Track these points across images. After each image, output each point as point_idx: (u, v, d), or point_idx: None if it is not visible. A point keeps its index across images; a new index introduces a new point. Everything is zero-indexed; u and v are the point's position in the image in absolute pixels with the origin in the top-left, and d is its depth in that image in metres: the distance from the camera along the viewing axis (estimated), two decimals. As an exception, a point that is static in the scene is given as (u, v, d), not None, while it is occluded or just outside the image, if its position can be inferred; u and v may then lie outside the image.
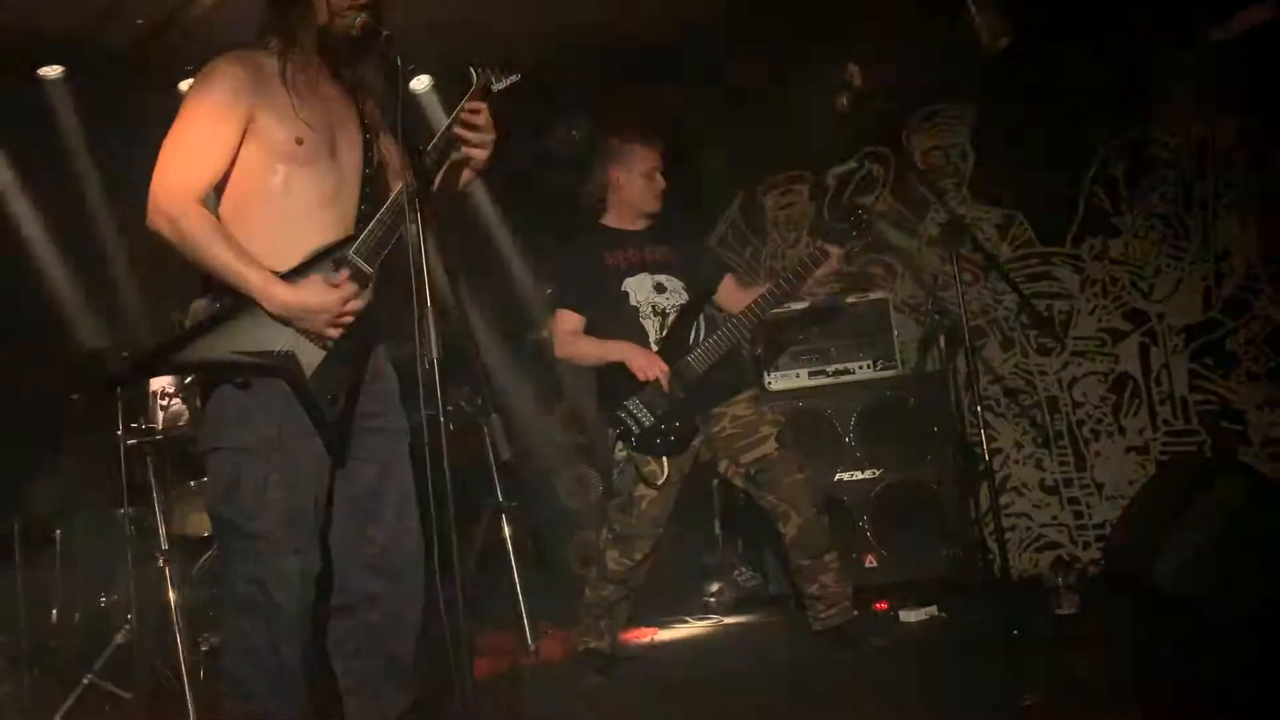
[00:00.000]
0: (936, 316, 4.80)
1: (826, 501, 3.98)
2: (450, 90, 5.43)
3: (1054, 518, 4.83)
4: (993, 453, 4.47)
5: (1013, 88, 4.80)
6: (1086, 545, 4.74)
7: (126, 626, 3.79)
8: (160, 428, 3.88)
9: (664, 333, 3.67)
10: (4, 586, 4.10)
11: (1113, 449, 4.74)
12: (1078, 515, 4.78)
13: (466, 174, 2.69)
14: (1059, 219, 4.86)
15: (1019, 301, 4.62)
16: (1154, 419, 4.67)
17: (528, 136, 6.23)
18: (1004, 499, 4.82)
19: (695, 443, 3.67)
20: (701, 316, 3.71)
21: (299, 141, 2.43)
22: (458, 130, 2.51)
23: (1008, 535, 4.70)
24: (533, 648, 4.22)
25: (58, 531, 4.23)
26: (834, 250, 3.61)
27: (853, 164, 5.42)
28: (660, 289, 3.73)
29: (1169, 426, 4.66)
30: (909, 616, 4.08)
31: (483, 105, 2.52)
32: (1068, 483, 4.81)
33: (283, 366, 2.38)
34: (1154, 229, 4.71)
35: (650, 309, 3.69)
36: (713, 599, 4.74)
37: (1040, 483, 4.86)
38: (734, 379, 3.80)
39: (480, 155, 2.57)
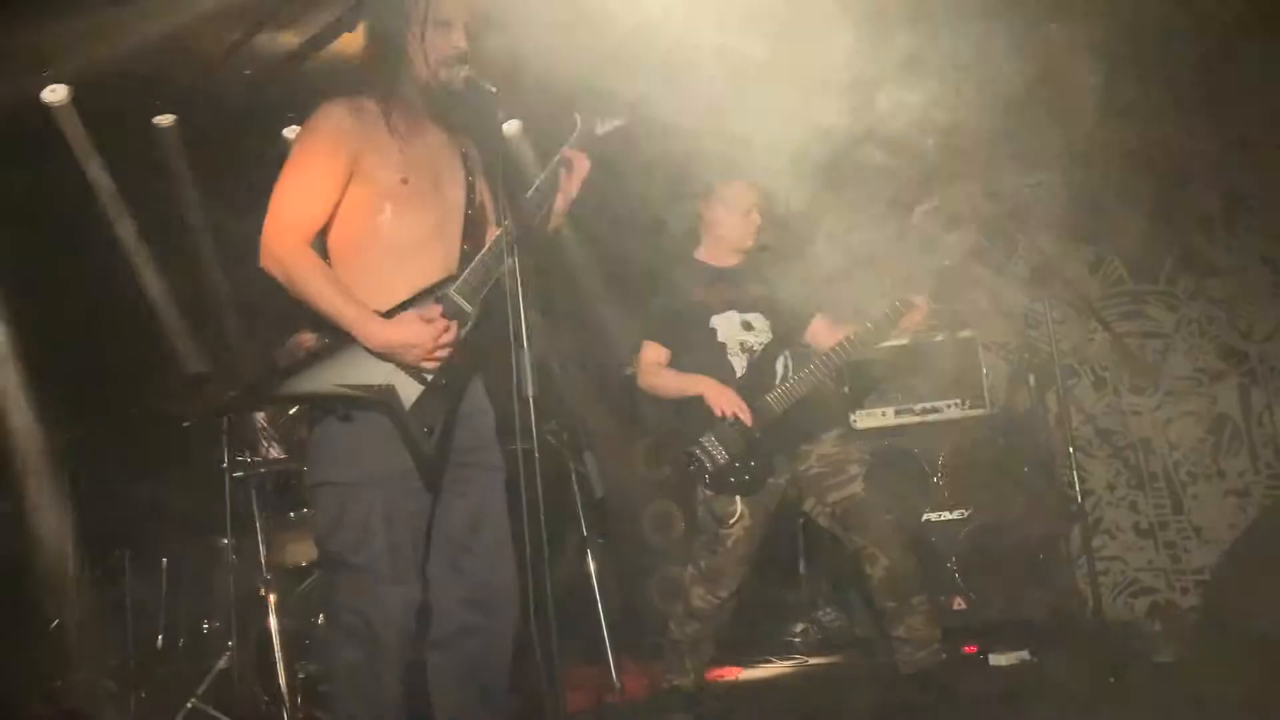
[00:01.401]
0: (1026, 355, 4.74)
1: (914, 542, 3.94)
2: (541, 132, 5.57)
3: (1150, 561, 4.70)
4: (1085, 494, 4.39)
5: (1104, 124, 4.74)
6: (1185, 590, 4.60)
7: (228, 653, 3.90)
8: (263, 460, 4.01)
9: (748, 369, 3.69)
10: (113, 612, 4.27)
11: (1211, 492, 4.61)
12: (1175, 559, 4.65)
13: (556, 218, 2.75)
14: (1152, 257, 4.77)
15: (1112, 341, 4.55)
16: (1255, 461, 4.54)
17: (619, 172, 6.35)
18: (1097, 541, 4.71)
19: (779, 481, 3.67)
20: (788, 355, 3.72)
21: (404, 181, 2.53)
22: (568, 154, 2.59)
23: (1101, 578, 4.59)
24: (617, 684, 4.24)
25: (164, 560, 4.40)
26: (918, 301, 3.60)
27: (938, 202, 5.39)
28: (748, 326, 3.75)
29: (1271, 469, 4.52)
30: (999, 660, 4.01)
31: (583, 154, 2.59)
32: (1164, 525, 4.69)
33: (383, 399, 2.45)
34: (1252, 266, 4.60)
35: (738, 346, 3.72)
36: (798, 639, 4.72)
37: (1135, 525, 4.74)
38: (819, 417, 3.79)
39: (573, 191, 2.64)
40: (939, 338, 4.72)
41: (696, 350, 3.73)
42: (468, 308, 2.53)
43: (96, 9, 4.20)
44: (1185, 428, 4.67)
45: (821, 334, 3.80)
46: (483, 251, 2.57)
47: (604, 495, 4.34)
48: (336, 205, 2.52)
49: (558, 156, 2.64)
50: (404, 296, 2.49)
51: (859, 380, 4.74)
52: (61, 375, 4.76)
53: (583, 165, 2.61)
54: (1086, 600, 4.36)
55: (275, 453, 4.26)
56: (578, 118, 2.68)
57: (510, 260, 2.43)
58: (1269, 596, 3.58)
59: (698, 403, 3.60)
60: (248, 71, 5.10)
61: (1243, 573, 4.01)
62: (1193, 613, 4.48)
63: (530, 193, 2.55)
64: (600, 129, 2.69)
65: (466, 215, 2.64)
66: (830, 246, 3.82)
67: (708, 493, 3.62)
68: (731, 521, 3.56)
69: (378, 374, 2.45)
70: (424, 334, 2.45)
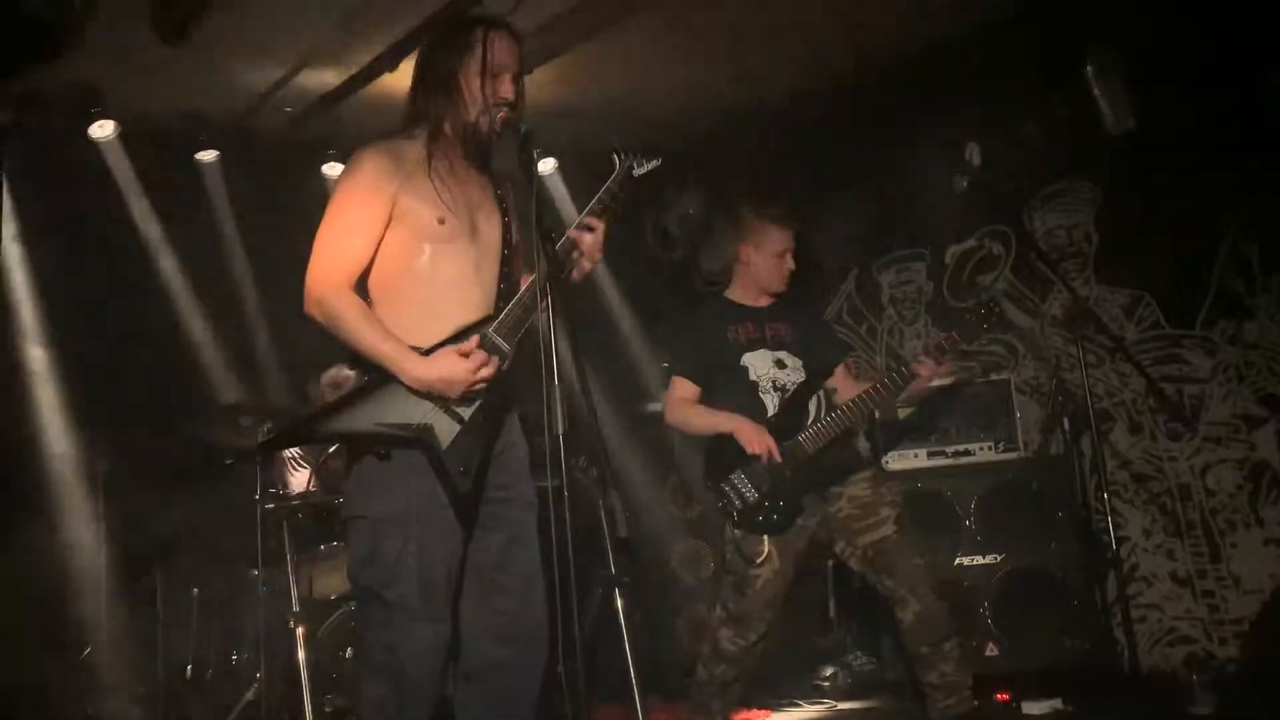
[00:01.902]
0: (1060, 398, 4.70)
1: (946, 587, 3.90)
2: (577, 170, 5.64)
3: (1187, 610, 4.61)
4: (1120, 540, 4.33)
5: (1139, 166, 4.72)
6: (1223, 641, 4.51)
7: (256, 684, 3.92)
8: (294, 494, 4.04)
9: (781, 408, 3.68)
10: (144, 641, 4.30)
11: (1250, 540, 4.52)
12: (1213, 609, 4.56)
13: (580, 273, 2.73)
14: (1189, 300, 4.72)
15: (1147, 385, 4.50)
16: (1295, 510, 4.45)
17: (649, 209, 6.42)
18: (1132, 589, 4.63)
19: (809, 523, 3.64)
20: (821, 395, 3.71)
21: (441, 222, 2.56)
22: (588, 221, 2.61)
23: (1137, 627, 4.51)
24: (644, 724, 4.20)
25: (195, 590, 4.43)
26: (922, 370, 3.58)
27: (972, 242, 5.39)
28: (780, 365, 3.75)
29: (1312, 518, 4.43)
30: (1032, 709, 3.95)
31: (599, 223, 2.62)
32: (1201, 574, 4.60)
33: (420, 439, 2.48)
34: (1290, 312, 4.54)
35: (770, 384, 3.72)
36: (827, 683, 4.66)
37: (1171, 573, 4.66)
38: (849, 459, 3.78)
39: (586, 265, 2.64)
40: (972, 379, 4.69)
41: (728, 388, 3.73)
42: (505, 347, 2.56)
43: (145, 47, 4.31)
44: (1223, 474, 4.59)
45: (844, 382, 3.80)
46: (520, 292, 2.60)
47: (627, 535, 4.31)
48: (377, 248, 2.56)
49: (593, 200, 2.68)
50: (443, 336, 2.52)
51: (890, 421, 4.71)
52: (100, 403, 4.84)
53: (599, 232, 2.63)
54: (1122, 649, 4.28)
55: (306, 483, 4.29)
56: (616, 158, 2.71)
57: (544, 301, 2.46)
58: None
59: (728, 440, 3.60)
60: (289, 109, 5.22)
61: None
62: (1231, 664, 4.38)
63: (560, 242, 2.58)
64: (638, 170, 2.73)
65: (503, 255, 2.68)
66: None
67: (736, 532, 3.60)
68: (760, 561, 3.54)
69: (416, 414, 2.48)
70: (461, 369, 2.47)
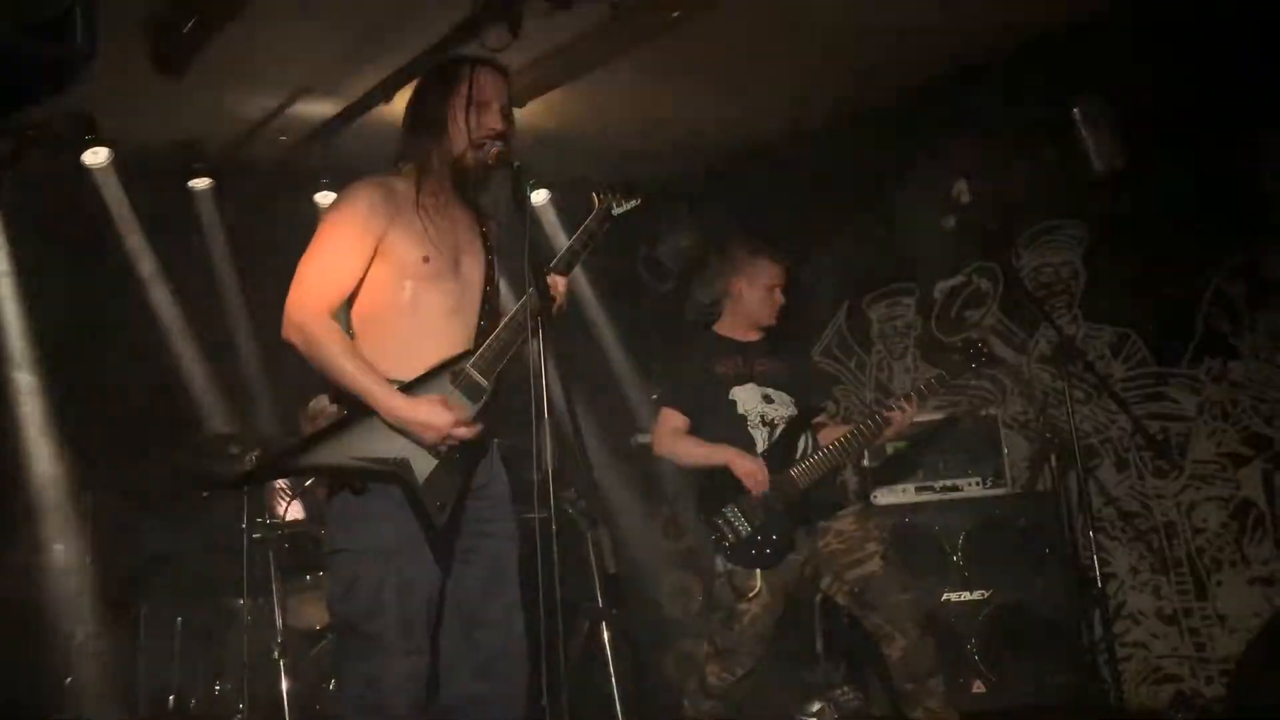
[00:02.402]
0: (1048, 435, 4.72)
1: (933, 622, 3.90)
2: (569, 201, 5.68)
3: (1174, 649, 4.61)
4: (1106, 577, 4.34)
5: (1126, 206, 4.77)
6: (1209, 680, 4.50)
7: (239, 714, 3.89)
8: (282, 523, 4.03)
9: (771, 443, 3.69)
10: (126, 670, 4.27)
11: (1236, 579, 4.53)
12: (1199, 647, 4.56)
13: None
14: (1175, 339, 4.75)
15: (1133, 423, 4.52)
16: (1280, 549, 4.47)
17: (637, 243, 6.46)
18: (1119, 627, 4.63)
19: (797, 558, 3.65)
20: (810, 431, 3.73)
21: (426, 260, 2.59)
22: (551, 278, 2.64)
23: (1123, 665, 4.50)
24: (630, 759, 4.18)
25: (179, 618, 4.40)
26: (894, 417, 3.61)
27: (960, 278, 5.43)
28: (768, 400, 3.76)
29: (1297, 558, 4.44)
30: (1018, 747, 3.94)
31: (562, 280, 2.65)
32: (1187, 612, 4.61)
33: (397, 473, 2.48)
34: (1277, 351, 4.57)
35: (759, 419, 3.73)
36: (814, 718, 4.64)
37: (1158, 611, 4.66)
38: (836, 495, 3.80)
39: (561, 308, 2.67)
40: (960, 415, 4.71)
41: (717, 421, 3.74)
42: (484, 383, 2.57)
43: (141, 75, 4.33)
44: (1209, 512, 4.61)
45: (825, 426, 3.82)
46: (499, 328, 2.62)
47: (617, 571, 4.33)
48: (360, 280, 2.58)
49: (576, 234, 2.71)
50: (422, 371, 2.53)
51: (878, 457, 4.72)
52: (87, 430, 4.82)
53: (561, 291, 2.66)
54: (1109, 687, 4.28)
55: (293, 513, 4.27)
56: (595, 197, 2.75)
57: (534, 336, 2.47)
58: None
59: (721, 473, 3.60)
60: (283, 138, 5.25)
61: (1268, 662, 3.94)
62: (1218, 703, 4.38)
63: (551, 264, 2.61)
64: (617, 210, 2.76)
65: (485, 292, 2.70)
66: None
67: (728, 566, 3.59)
68: (751, 595, 3.53)
69: (393, 448, 2.49)
70: (442, 419, 2.48)
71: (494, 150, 2.58)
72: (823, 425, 3.80)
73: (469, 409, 2.54)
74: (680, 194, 6.17)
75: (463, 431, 2.50)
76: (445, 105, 2.64)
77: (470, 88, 2.63)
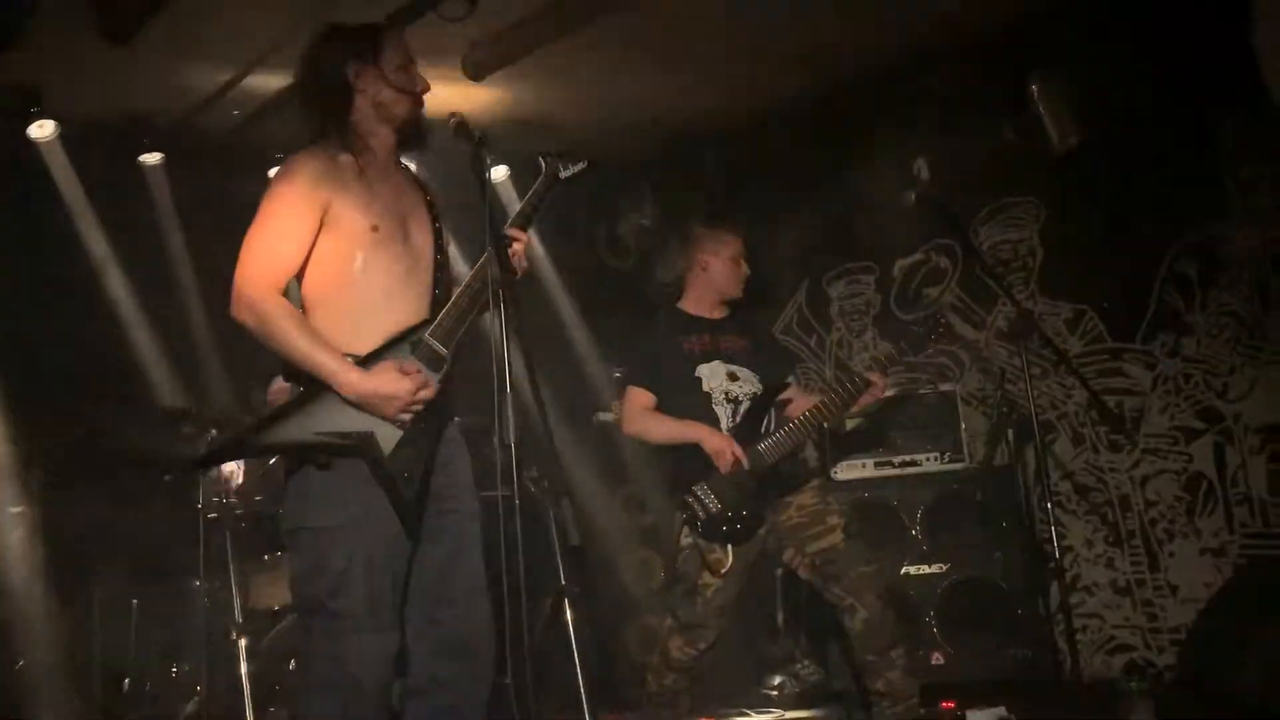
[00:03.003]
0: (1005, 410, 4.77)
1: (893, 595, 3.93)
2: (526, 178, 5.62)
3: (1127, 619, 4.70)
4: (1063, 550, 4.39)
5: (1083, 184, 4.82)
6: (1161, 649, 4.60)
7: (196, 697, 3.84)
8: (239, 503, 3.97)
9: (737, 420, 3.69)
10: (81, 654, 4.20)
11: (1187, 550, 4.62)
12: (1151, 618, 4.65)
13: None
14: (1130, 315, 4.82)
15: (1089, 397, 4.58)
16: (1230, 521, 4.56)
17: (599, 222, 6.43)
18: (1074, 598, 4.70)
19: (761, 532, 3.67)
20: (775, 407, 3.74)
21: (374, 228, 2.55)
22: (510, 232, 2.63)
23: (1079, 636, 4.58)
24: (593, 734, 4.18)
25: (134, 600, 4.33)
26: (875, 379, 3.65)
27: (919, 256, 5.46)
28: (733, 377, 3.76)
29: (1246, 529, 4.54)
30: (977, 717, 3.98)
31: (524, 233, 2.64)
32: (1140, 583, 4.70)
33: (362, 447, 2.45)
34: (1228, 328, 4.66)
35: (723, 396, 3.73)
36: (775, 692, 4.68)
37: (1112, 583, 4.75)
38: (800, 469, 3.81)
39: (520, 267, 2.66)
40: (919, 390, 4.74)
41: (682, 398, 3.74)
42: (443, 351, 2.54)
43: (89, 46, 4.22)
44: (1162, 485, 4.69)
45: (796, 398, 3.83)
46: (456, 294, 2.59)
47: (580, 544, 4.30)
48: (309, 253, 2.53)
49: (526, 198, 2.70)
50: (379, 342, 2.49)
51: (837, 432, 4.75)
52: (35, 409, 4.72)
53: (522, 244, 2.65)
54: (1065, 657, 4.35)
55: (249, 493, 4.21)
56: (542, 161, 2.73)
57: (496, 307, 2.45)
58: (1243, 657, 3.58)
59: (690, 450, 3.60)
60: (236, 112, 5.14)
61: (1218, 632, 4.02)
62: (1169, 671, 4.47)
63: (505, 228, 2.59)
64: (564, 173, 2.74)
65: (436, 260, 2.67)
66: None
67: (700, 542, 3.59)
68: (723, 571, 3.54)
69: (356, 422, 2.45)
70: (401, 386, 2.45)
71: (455, 122, 2.55)
72: (789, 400, 3.80)
73: (429, 378, 2.51)
74: (641, 172, 6.15)
75: (424, 393, 2.48)
76: (372, 68, 2.60)
77: (391, 51, 2.61)
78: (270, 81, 4.89)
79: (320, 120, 2.62)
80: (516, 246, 2.63)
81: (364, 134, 2.61)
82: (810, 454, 4.99)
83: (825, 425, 3.80)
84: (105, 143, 5.11)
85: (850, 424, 4.74)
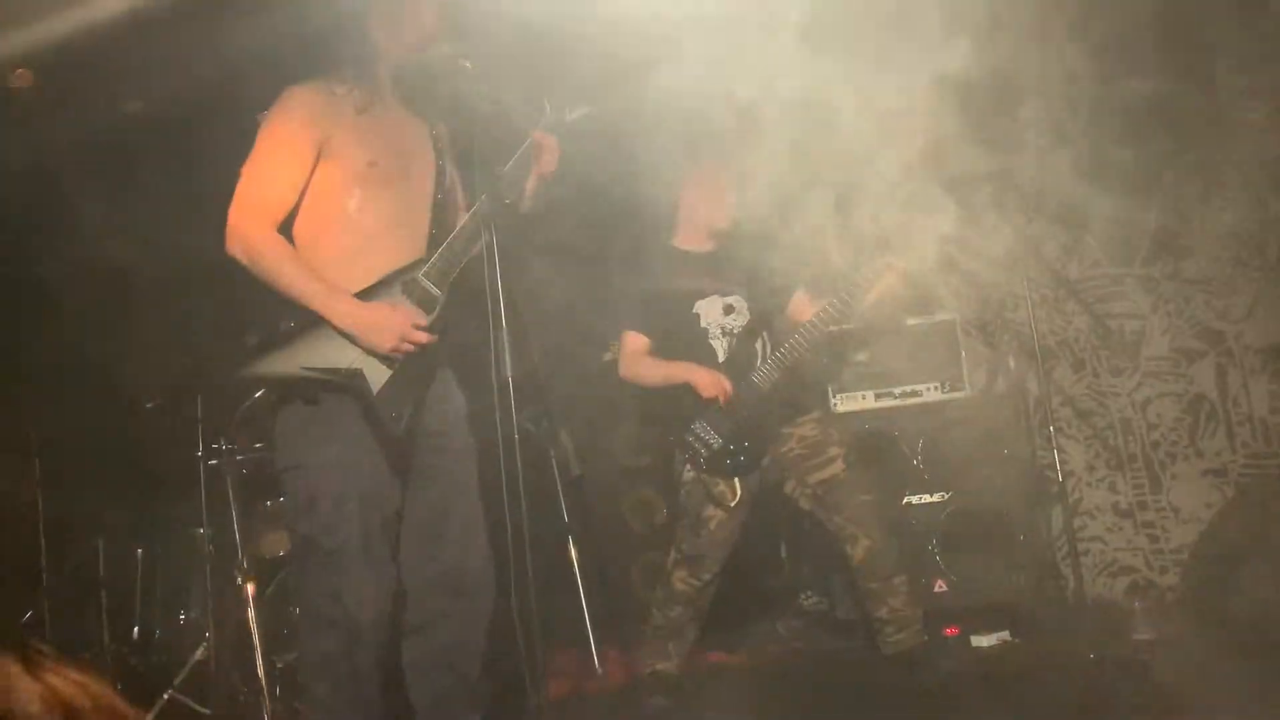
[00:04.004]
0: (1005, 337, 4.75)
1: (895, 524, 3.94)
2: (522, 116, 5.53)
3: (1129, 542, 4.73)
4: (1064, 475, 4.40)
5: (1079, 102, 4.75)
6: (1163, 570, 4.63)
7: (205, 644, 3.86)
8: (240, 447, 3.96)
9: (730, 351, 3.67)
10: (88, 604, 4.21)
11: (1189, 472, 4.63)
12: (1153, 539, 4.67)
13: (530, 199, 2.72)
14: (1129, 238, 4.78)
15: (1090, 321, 4.55)
16: (1233, 441, 4.56)
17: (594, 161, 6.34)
18: (1076, 523, 4.72)
19: (764, 462, 3.66)
20: (766, 334, 3.71)
21: (372, 164, 2.50)
22: (537, 137, 2.58)
23: (1081, 559, 4.60)
24: (599, 670, 4.22)
25: (139, 550, 4.34)
26: (896, 263, 3.58)
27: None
28: (729, 310, 3.74)
29: (1248, 449, 4.54)
30: (981, 641, 4.02)
31: (552, 137, 2.58)
32: (1142, 506, 4.71)
33: (351, 383, 2.43)
34: (1227, 248, 4.62)
35: (719, 330, 3.71)
36: (779, 623, 4.71)
37: (1114, 506, 4.76)
38: (800, 398, 3.79)
39: (548, 170, 2.62)
40: (917, 320, 4.72)
41: (679, 336, 3.72)
42: (436, 292, 2.51)
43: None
44: (1163, 408, 4.69)
45: (803, 308, 3.78)
46: (452, 235, 2.54)
47: (582, 474, 4.32)
48: (304, 189, 2.48)
49: (528, 140, 2.63)
50: (371, 281, 2.46)
51: (837, 362, 4.73)
52: (29, 361, 4.68)
53: (552, 146, 2.60)
54: (1067, 581, 4.37)
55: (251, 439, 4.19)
56: (547, 104, 2.68)
57: (487, 237, 2.41)
58: (1245, 576, 3.59)
59: (685, 390, 3.58)
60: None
61: (1220, 552, 4.04)
62: (1171, 592, 4.51)
63: (506, 167, 2.54)
64: (569, 115, 2.69)
65: (435, 199, 2.62)
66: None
67: (704, 476, 3.58)
68: (732, 503, 3.54)
69: (345, 357, 2.42)
70: (393, 318, 2.42)
71: (442, 51, 2.49)
72: (801, 302, 3.75)
73: (422, 318, 2.48)
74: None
75: (419, 335, 2.45)
76: (375, 5, 2.54)
77: None
78: (255, 25, 4.78)
79: (341, 56, 2.55)
80: (547, 155, 2.58)
81: (372, 69, 2.55)
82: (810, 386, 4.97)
83: (826, 330, 3.67)
84: (85, 91, 5.01)
85: (851, 356, 4.71)
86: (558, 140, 2.63)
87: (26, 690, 0.96)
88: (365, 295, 2.44)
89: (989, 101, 4.97)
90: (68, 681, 0.99)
